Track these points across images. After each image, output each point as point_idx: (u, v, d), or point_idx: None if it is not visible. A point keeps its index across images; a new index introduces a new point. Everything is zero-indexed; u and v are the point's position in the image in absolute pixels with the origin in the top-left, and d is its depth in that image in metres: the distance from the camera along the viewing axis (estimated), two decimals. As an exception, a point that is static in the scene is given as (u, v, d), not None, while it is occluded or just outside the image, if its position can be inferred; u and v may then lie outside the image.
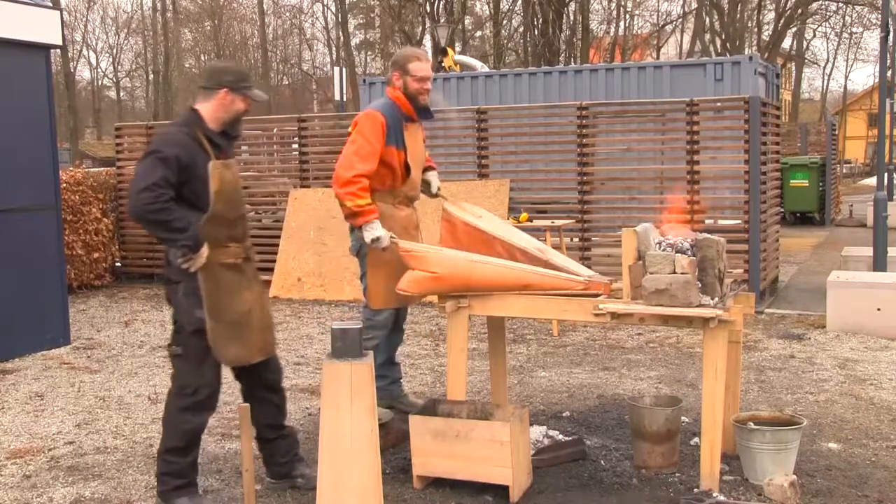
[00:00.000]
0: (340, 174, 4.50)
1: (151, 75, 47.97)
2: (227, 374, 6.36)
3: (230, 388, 5.98)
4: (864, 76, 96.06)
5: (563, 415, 5.32)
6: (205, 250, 3.73)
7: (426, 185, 5.04)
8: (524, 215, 8.29)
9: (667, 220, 4.44)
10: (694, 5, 37.02)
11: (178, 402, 3.86)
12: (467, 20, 37.01)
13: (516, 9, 32.43)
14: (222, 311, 3.78)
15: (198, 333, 3.78)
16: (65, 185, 9.69)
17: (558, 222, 8.32)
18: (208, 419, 3.93)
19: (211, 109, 3.83)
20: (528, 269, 4.30)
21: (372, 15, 45.65)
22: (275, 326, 4.13)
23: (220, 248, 3.79)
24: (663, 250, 4.02)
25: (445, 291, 4.34)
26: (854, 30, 43.29)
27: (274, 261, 10.17)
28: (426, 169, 5.03)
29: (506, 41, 33.69)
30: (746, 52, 27.61)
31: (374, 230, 4.47)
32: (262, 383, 4.07)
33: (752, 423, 4.25)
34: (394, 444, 4.66)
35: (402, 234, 4.69)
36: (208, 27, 46.84)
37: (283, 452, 4.15)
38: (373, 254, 4.61)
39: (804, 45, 45.04)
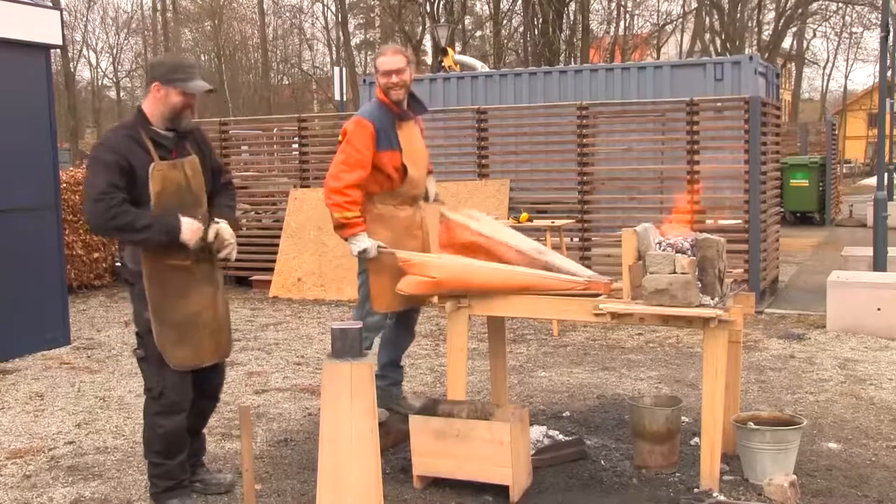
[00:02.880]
0: (329, 184, 4.51)
1: (151, 75, 47.86)
2: (227, 376, 6.35)
3: (229, 388, 6.00)
4: (864, 76, 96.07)
5: (564, 415, 5.32)
6: (197, 230, 3.68)
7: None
8: (524, 215, 8.28)
9: (671, 219, 4.44)
10: (694, 5, 37.03)
11: (149, 406, 3.85)
12: (467, 20, 36.98)
13: (516, 9, 32.43)
14: (167, 313, 3.73)
15: (150, 335, 3.74)
16: (65, 185, 9.68)
17: (558, 222, 8.31)
18: (184, 421, 3.86)
19: (150, 106, 3.73)
20: (528, 272, 4.30)
21: (372, 15, 45.60)
22: (229, 332, 4.05)
23: (168, 248, 3.72)
24: (663, 250, 4.02)
25: (444, 294, 4.35)
26: (854, 30, 43.32)
27: (274, 261, 10.18)
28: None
29: (506, 41, 33.67)
30: (746, 52, 27.61)
31: (360, 242, 4.48)
32: (204, 387, 4.00)
33: (752, 423, 4.25)
34: (394, 444, 4.66)
35: (405, 236, 4.68)
36: (208, 27, 46.80)
37: (189, 454, 4.07)
38: (375, 258, 4.61)
39: (804, 45, 45.04)
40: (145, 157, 3.66)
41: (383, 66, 4.60)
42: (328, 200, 4.52)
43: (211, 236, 3.79)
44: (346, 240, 4.54)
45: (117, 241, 3.74)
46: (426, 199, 4.98)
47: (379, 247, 4.51)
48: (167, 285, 3.75)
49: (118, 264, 11.37)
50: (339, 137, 4.67)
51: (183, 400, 3.84)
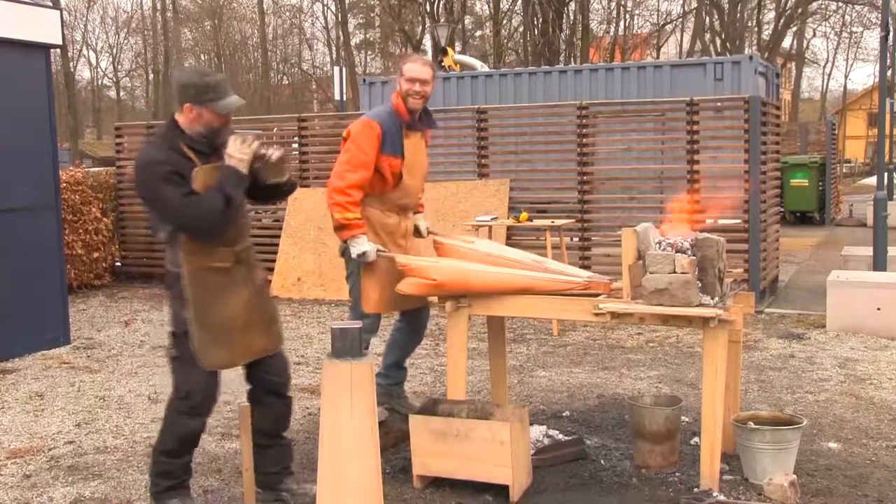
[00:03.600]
0: (333, 183, 4.51)
1: (151, 75, 47.99)
2: (227, 375, 6.34)
3: (230, 387, 5.99)
4: (863, 75, 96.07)
5: (563, 414, 5.32)
6: (243, 140, 3.68)
7: (416, 229, 4.96)
8: (524, 215, 8.28)
9: (671, 219, 4.44)
10: (694, 5, 37.03)
11: (174, 405, 3.84)
12: (467, 20, 37.00)
13: (516, 8, 32.45)
14: (205, 315, 3.72)
15: (186, 336, 3.73)
16: (65, 184, 9.68)
17: (558, 222, 8.31)
18: (204, 424, 3.87)
19: (185, 122, 3.74)
20: (527, 275, 4.30)
21: (372, 14, 45.61)
22: (272, 329, 4.01)
23: (207, 251, 3.71)
24: (663, 250, 4.02)
25: (445, 295, 4.35)
26: (854, 29, 43.32)
27: (274, 260, 10.18)
28: (415, 211, 4.96)
29: (506, 41, 33.69)
30: (746, 52, 27.61)
31: (360, 245, 4.48)
32: (264, 386, 4.00)
33: (752, 423, 4.25)
34: (394, 443, 4.66)
35: (389, 243, 4.67)
36: (208, 27, 46.83)
37: (273, 463, 4.03)
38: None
39: (804, 45, 45.07)
40: (188, 164, 3.68)
41: (409, 73, 4.59)
42: (330, 200, 4.51)
43: (263, 150, 3.82)
44: (345, 242, 4.54)
45: (185, 235, 3.70)
46: (419, 234, 4.96)
47: (378, 250, 4.50)
48: (207, 287, 3.74)
49: (118, 264, 11.40)
50: (343, 135, 4.66)
51: (208, 402, 3.84)
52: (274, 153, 3.81)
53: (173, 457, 3.84)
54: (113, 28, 49.17)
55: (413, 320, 4.92)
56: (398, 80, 4.65)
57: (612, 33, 37.71)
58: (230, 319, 3.78)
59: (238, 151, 3.70)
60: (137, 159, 3.79)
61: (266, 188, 3.92)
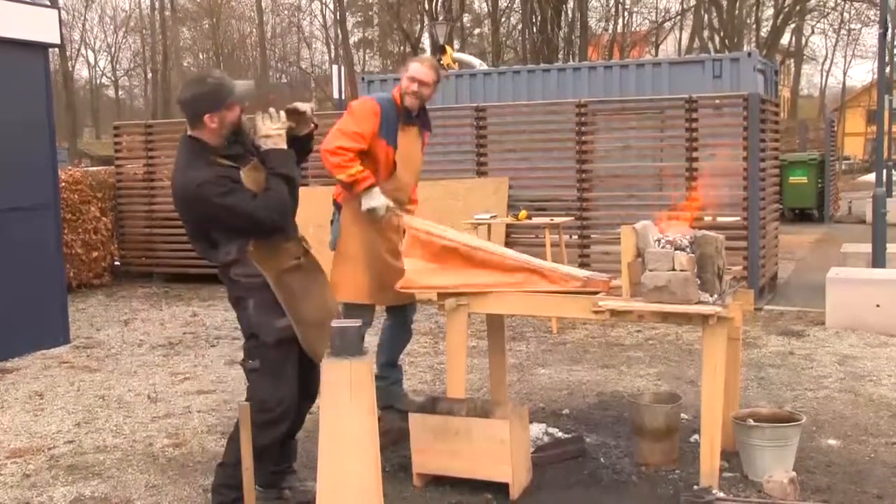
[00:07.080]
0: (324, 147, 4.55)
1: (150, 74, 47.99)
2: (227, 374, 6.34)
3: (230, 386, 6.00)
4: (862, 72, 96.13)
5: (563, 412, 5.32)
6: (279, 122, 3.72)
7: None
8: (523, 213, 8.28)
9: (671, 216, 4.44)
10: (692, 2, 37.02)
11: (258, 416, 3.58)
12: (466, 18, 37.03)
13: (515, 6, 32.48)
14: (304, 312, 3.70)
15: (279, 344, 3.66)
16: (64, 184, 9.68)
17: (557, 220, 8.31)
18: (288, 427, 3.83)
19: (207, 135, 3.65)
20: (527, 259, 4.30)
21: (370, 13, 45.61)
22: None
23: (277, 254, 3.69)
24: (662, 247, 4.02)
25: (446, 282, 4.31)
26: (852, 26, 43.23)
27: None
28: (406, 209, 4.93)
29: (504, 38, 33.73)
30: (745, 49, 27.59)
31: (372, 199, 4.50)
32: (308, 390, 3.90)
33: (751, 420, 4.25)
34: (393, 442, 4.66)
35: (379, 237, 4.68)
36: (206, 25, 46.84)
37: (278, 461, 4.00)
38: (341, 244, 4.64)
39: (803, 42, 45.05)
40: (233, 171, 3.63)
41: (411, 72, 4.68)
42: (326, 163, 4.56)
43: (303, 108, 3.92)
44: (355, 198, 4.55)
45: (236, 250, 3.65)
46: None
47: (388, 207, 4.52)
48: (292, 288, 3.70)
49: (117, 263, 11.39)
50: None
51: (292, 410, 3.79)
52: (305, 106, 3.92)
53: (256, 461, 3.56)
54: (111, 27, 49.24)
55: (399, 316, 4.94)
56: (402, 76, 4.74)
57: (610, 31, 37.72)
58: (326, 311, 3.79)
59: (271, 129, 3.71)
60: (183, 187, 3.62)
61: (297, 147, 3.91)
